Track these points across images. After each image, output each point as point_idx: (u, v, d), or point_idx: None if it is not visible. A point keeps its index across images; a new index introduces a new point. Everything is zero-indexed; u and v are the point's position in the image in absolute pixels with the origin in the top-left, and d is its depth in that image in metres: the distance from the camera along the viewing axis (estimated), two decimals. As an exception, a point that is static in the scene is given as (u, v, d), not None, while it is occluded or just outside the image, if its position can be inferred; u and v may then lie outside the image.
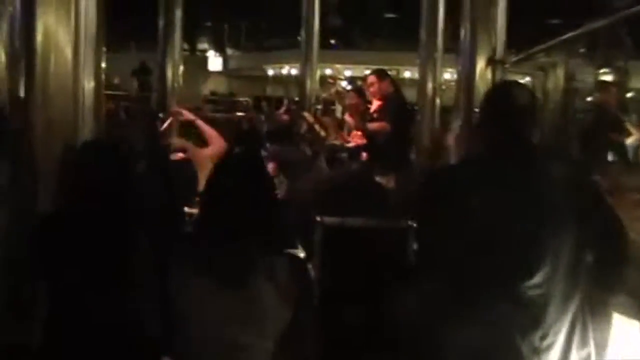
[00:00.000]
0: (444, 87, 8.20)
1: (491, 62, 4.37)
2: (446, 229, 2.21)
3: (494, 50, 4.44)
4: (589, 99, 6.97)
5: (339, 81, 9.40)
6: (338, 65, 16.57)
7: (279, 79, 20.87)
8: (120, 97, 15.81)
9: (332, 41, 18.11)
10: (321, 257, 3.83)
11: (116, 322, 2.20)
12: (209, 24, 23.99)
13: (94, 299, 2.17)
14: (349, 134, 7.42)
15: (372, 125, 6.29)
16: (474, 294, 2.13)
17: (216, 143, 4.30)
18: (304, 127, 6.68)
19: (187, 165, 4.28)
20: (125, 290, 2.20)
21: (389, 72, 6.87)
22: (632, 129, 6.71)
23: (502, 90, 2.45)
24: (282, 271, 2.16)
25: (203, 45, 24.04)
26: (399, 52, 15.89)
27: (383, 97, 6.41)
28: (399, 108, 6.38)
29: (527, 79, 7.33)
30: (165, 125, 6.16)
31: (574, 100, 6.67)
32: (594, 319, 2.20)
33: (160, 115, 6.41)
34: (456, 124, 7.26)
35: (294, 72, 17.54)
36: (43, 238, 2.22)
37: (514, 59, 4.63)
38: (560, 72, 5.25)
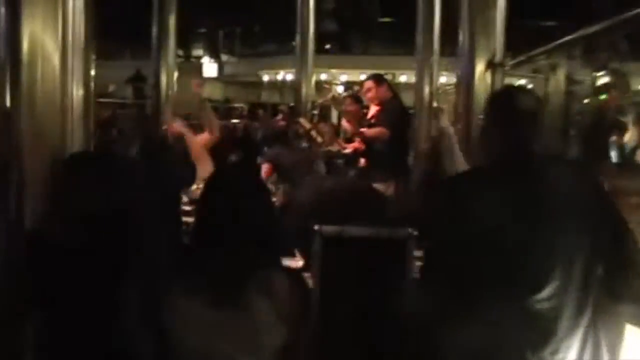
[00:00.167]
0: (440, 91, 8.15)
1: (490, 65, 4.31)
2: (453, 241, 2.12)
3: (492, 53, 4.37)
4: (585, 101, 6.91)
5: (334, 86, 9.33)
6: (333, 70, 16.56)
7: (274, 85, 20.82)
8: (115, 105, 15.73)
9: (327, 46, 18.05)
10: (320, 266, 3.75)
11: (107, 346, 2.10)
12: (203, 30, 23.94)
13: (84, 323, 2.07)
14: (345, 140, 7.35)
15: (370, 131, 6.21)
16: (482, 307, 2.05)
17: (214, 133, 4.24)
18: (300, 132, 6.59)
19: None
20: (117, 312, 2.09)
21: (385, 77, 6.80)
22: (630, 127, 6.65)
23: (506, 96, 2.36)
24: (280, 287, 2.08)
25: (198, 52, 23.99)
26: (395, 57, 15.86)
27: (381, 103, 6.33)
28: (398, 113, 6.30)
29: (522, 81, 7.29)
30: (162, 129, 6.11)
31: (575, 103, 6.62)
32: (605, 331, 2.12)
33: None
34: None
35: (289, 77, 17.49)
36: (29, 259, 2.12)
37: (512, 62, 4.55)
38: (560, 75, 5.19)
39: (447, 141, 2.88)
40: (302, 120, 7.04)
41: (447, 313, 2.12)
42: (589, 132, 6.58)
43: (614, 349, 2.12)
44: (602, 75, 7.29)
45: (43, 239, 2.13)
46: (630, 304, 2.19)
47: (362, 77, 13.54)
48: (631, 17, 2.99)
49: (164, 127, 5.70)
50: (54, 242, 2.10)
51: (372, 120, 6.35)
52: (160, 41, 8.68)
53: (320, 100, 8.03)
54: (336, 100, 6.99)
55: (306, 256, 4.44)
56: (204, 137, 4.07)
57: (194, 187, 4.48)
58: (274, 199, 2.37)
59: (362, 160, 6.49)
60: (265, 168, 6.16)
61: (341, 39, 19.10)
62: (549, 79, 5.09)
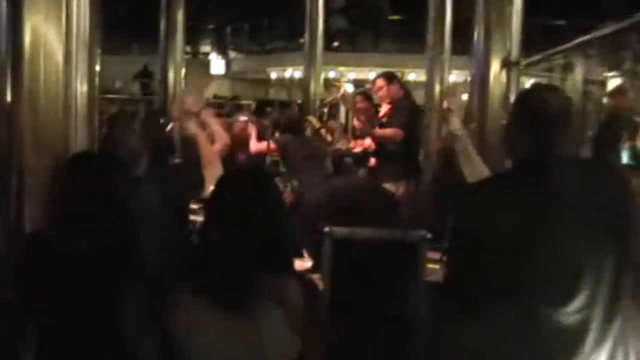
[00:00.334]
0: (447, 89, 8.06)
1: (506, 64, 4.19)
2: (477, 251, 2.00)
3: (508, 51, 4.26)
4: (604, 100, 6.79)
5: (344, 84, 9.23)
6: (342, 68, 16.48)
7: (282, 82, 20.72)
8: (122, 101, 15.65)
9: (336, 43, 17.94)
10: (330, 269, 3.66)
11: (109, 351, 2.00)
12: (211, 26, 23.85)
13: (85, 328, 1.97)
14: (354, 138, 7.24)
15: (384, 132, 6.07)
16: (507, 320, 1.94)
17: (222, 140, 4.11)
18: (310, 131, 6.49)
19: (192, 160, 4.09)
20: (119, 322, 1.99)
21: (394, 74, 6.66)
22: None
23: (534, 94, 2.23)
24: (292, 295, 1.97)
25: (205, 48, 23.90)
26: (404, 54, 15.74)
27: (392, 101, 6.21)
28: (410, 112, 6.18)
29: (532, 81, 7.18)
30: (168, 129, 5.99)
31: (590, 103, 6.49)
32: (635, 342, 2.01)
33: (162, 120, 6.23)
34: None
35: (297, 74, 17.38)
36: (27, 265, 2.02)
37: (528, 60, 4.44)
38: (577, 75, 5.07)
39: (460, 144, 2.76)
40: (312, 118, 6.94)
41: (469, 325, 2.01)
42: (599, 133, 6.45)
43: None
44: (613, 76, 7.17)
45: (44, 243, 2.03)
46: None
47: (371, 74, 13.45)
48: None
49: (172, 125, 5.60)
50: (55, 246, 2.00)
51: (384, 119, 6.23)
52: (168, 37, 8.65)
53: (329, 98, 7.92)
54: (346, 98, 6.87)
55: (315, 257, 4.35)
56: (216, 147, 3.94)
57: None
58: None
59: (372, 160, 6.38)
60: (271, 145, 6.07)
61: (350, 36, 18.97)
62: (565, 79, 4.99)
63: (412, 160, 6.11)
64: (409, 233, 3.57)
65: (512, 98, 4.21)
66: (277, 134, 6.37)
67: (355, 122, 6.29)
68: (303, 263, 4.03)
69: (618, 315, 1.95)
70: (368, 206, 4.13)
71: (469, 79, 7.57)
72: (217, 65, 22.44)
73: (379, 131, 6.08)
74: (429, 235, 3.65)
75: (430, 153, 6.44)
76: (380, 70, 7.20)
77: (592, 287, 1.91)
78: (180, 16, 8.66)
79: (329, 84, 11.19)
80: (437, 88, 7.74)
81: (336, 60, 15.56)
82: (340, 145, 7.05)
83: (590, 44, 4.38)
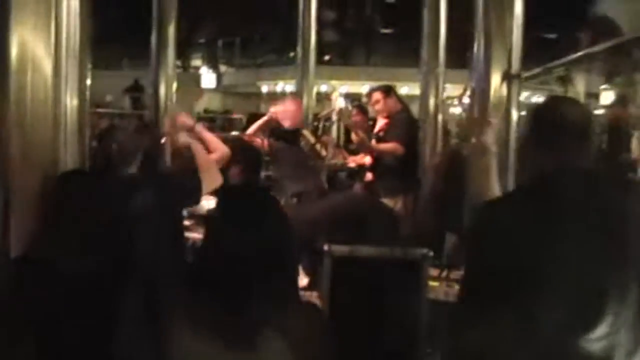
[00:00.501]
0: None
1: (507, 76, 4.10)
2: (494, 274, 1.89)
3: (509, 64, 4.17)
4: (597, 112, 6.71)
5: (339, 98, 9.14)
6: (334, 82, 16.44)
7: (273, 96, 20.62)
8: (113, 115, 15.54)
9: (327, 57, 17.89)
10: (329, 289, 3.55)
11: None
12: (202, 40, 23.78)
13: (80, 356, 1.83)
14: (349, 153, 7.12)
15: (383, 147, 5.95)
16: (527, 348, 1.82)
17: (220, 150, 3.97)
18: (305, 145, 6.37)
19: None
20: (116, 345, 1.86)
21: (389, 88, 6.55)
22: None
23: (551, 107, 2.12)
24: (299, 327, 1.84)
25: (196, 62, 23.83)
26: (396, 68, 15.69)
27: (389, 115, 6.11)
28: (408, 126, 6.08)
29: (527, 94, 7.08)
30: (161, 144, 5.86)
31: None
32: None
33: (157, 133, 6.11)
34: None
35: (288, 88, 17.28)
36: (18, 286, 1.88)
37: (529, 73, 4.35)
38: (579, 87, 5.00)
39: (487, 160, 2.62)
40: (306, 133, 6.83)
41: (486, 352, 1.89)
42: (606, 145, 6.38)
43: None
44: (606, 89, 7.09)
45: (35, 265, 1.89)
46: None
47: (364, 88, 13.38)
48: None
49: (164, 139, 5.48)
50: (46, 267, 1.86)
51: (381, 134, 6.13)
52: (159, 51, 8.51)
53: (324, 112, 7.82)
54: (343, 112, 6.77)
55: (311, 274, 4.24)
56: (213, 156, 3.81)
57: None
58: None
59: (369, 175, 6.26)
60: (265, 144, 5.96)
61: (342, 50, 18.94)
62: (567, 92, 4.92)
63: (410, 174, 6.00)
64: (411, 251, 3.47)
65: (514, 111, 4.12)
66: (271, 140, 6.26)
67: (354, 137, 6.16)
68: (299, 280, 3.91)
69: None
70: (368, 223, 4.03)
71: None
72: (208, 79, 22.36)
73: (378, 146, 5.97)
74: (431, 253, 3.55)
75: (426, 168, 6.35)
76: (373, 83, 7.12)
77: (616, 311, 1.80)
78: (171, 30, 8.54)
79: (322, 98, 11.10)
80: (432, 101, 7.71)
81: (328, 74, 15.49)
82: (335, 160, 6.93)
83: (592, 57, 4.28)
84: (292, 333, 1.82)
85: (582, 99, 5.75)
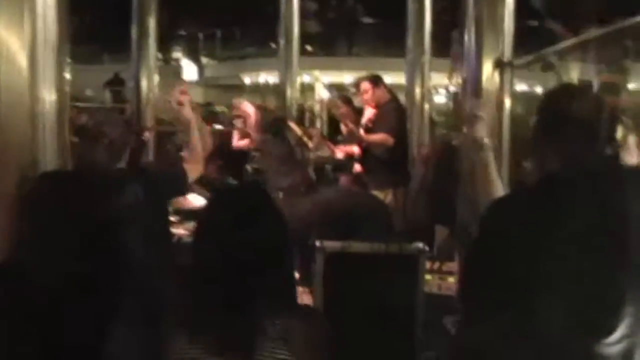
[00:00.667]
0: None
1: (499, 64, 4.00)
2: (505, 274, 1.77)
3: (501, 52, 4.07)
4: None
5: (322, 89, 9.04)
6: (316, 72, 16.31)
7: (256, 88, 20.48)
8: (93, 109, 15.30)
9: (309, 48, 17.77)
10: (322, 286, 3.45)
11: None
12: (183, 33, 23.55)
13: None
14: (336, 145, 7.01)
15: (373, 137, 5.81)
16: (540, 353, 1.72)
17: (207, 141, 3.81)
18: (292, 137, 6.25)
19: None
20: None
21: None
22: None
23: (562, 97, 1.99)
24: (299, 334, 1.73)
25: (177, 55, 23.60)
26: (379, 58, 15.61)
27: (378, 105, 5.98)
28: (396, 116, 5.95)
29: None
30: (143, 139, 5.74)
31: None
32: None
33: (142, 131, 5.99)
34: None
35: (271, 80, 17.14)
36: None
37: (521, 61, 4.25)
38: (573, 75, 4.91)
39: (483, 155, 2.48)
40: (292, 125, 6.70)
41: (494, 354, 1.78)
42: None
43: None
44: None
45: (12, 276, 1.75)
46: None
47: (347, 78, 13.23)
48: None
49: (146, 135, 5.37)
50: (25, 279, 1.72)
51: (370, 124, 6.01)
52: (140, 44, 8.40)
53: (309, 103, 7.72)
54: (331, 103, 6.66)
55: (301, 270, 4.13)
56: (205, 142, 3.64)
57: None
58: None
59: (357, 167, 6.14)
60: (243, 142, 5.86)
61: (324, 41, 18.81)
62: (561, 80, 4.81)
63: (399, 167, 5.89)
64: (406, 246, 3.38)
65: (506, 100, 4.03)
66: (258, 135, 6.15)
67: (343, 128, 6.02)
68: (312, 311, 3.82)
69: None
70: (361, 218, 3.94)
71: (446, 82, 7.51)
72: (189, 71, 22.17)
73: (368, 137, 5.84)
74: (427, 248, 3.46)
75: (416, 159, 6.26)
76: (356, 74, 7.03)
77: (634, 312, 1.69)
78: (152, 22, 8.43)
79: (305, 89, 11.00)
80: (418, 90, 7.63)
81: (311, 64, 15.38)
82: (321, 151, 6.81)
83: (585, 44, 4.18)
84: (293, 343, 1.70)
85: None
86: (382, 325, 3.36)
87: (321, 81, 15.22)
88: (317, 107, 10.72)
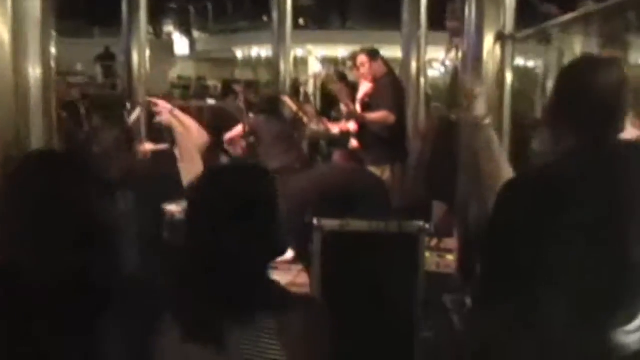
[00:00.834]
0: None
1: (500, 37, 3.89)
2: (521, 260, 1.68)
3: (502, 24, 3.96)
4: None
5: (315, 62, 8.93)
6: (310, 46, 16.19)
7: (248, 62, 20.31)
8: (84, 84, 15.14)
9: (301, 21, 17.61)
10: (320, 266, 3.37)
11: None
12: (174, 6, 23.28)
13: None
14: (331, 120, 6.90)
15: (374, 116, 5.68)
16: (558, 340, 1.64)
17: (200, 136, 3.69)
18: (287, 113, 6.15)
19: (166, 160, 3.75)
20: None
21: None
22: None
23: (582, 69, 1.87)
24: (294, 327, 1.61)
25: (169, 29, 23.36)
26: (373, 31, 15.46)
27: (375, 79, 5.86)
28: (394, 91, 5.83)
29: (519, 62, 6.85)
30: (134, 117, 5.61)
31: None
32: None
33: (127, 105, 5.86)
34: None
35: (263, 53, 16.98)
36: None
37: (523, 34, 4.14)
38: (577, 49, 4.80)
39: (483, 136, 2.37)
40: (287, 100, 6.59)
41: (516, 346, 1.70)
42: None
43: None
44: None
45: (6, 274, 1.62)
46: None
47: (341, 52, 13.04)
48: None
49: (137, 113, 5.26)
50: (9, 278, 1.59)
51: (366, 99, 5.89)
52: (131, 17, 8.26)
53: (304, 78, 7.61)
54: (329, 78, 6.55)
55: (297, 249, 4.05)
56: (193, 141, 3.54)
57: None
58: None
59: (354, 142, 6.03)
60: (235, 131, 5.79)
61: (317, 14, 18.63)
62: (563, 54, 4.71)
63: (397, 142, 5.78)
64: (406, 224, 3.29)
65: (508, 75, 3.92)
66: (251, 115, 6.04)
67: (342, 107, 5.86)
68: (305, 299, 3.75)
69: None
70: (359, 195, 3.85)
71: (442, 56, 7.40)
72: (181, 45, 21.97)
73: (369, 115, 5.71)
74: (427, 226, 3.38)
75: (412, 134, 6.15)
76: (350, 47, 6.91)
77: None
78: (143, -5, 8.27)
79: (298, 63, 10.88)
80: (414, 64, 7.52)
81: (304, 38, 15.24)
82: (316, 127, 6.70)
83: (588, 18, 4.07)
84: (289, 334, 1.59)
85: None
86: (381, 305, 3.28)
87: (315, 55, 15.10)
88: (310, 82, 10.60)
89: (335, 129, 6.44)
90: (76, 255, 1.56)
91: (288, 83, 9.87)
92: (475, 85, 2.80)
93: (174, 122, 3.35)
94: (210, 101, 9.63)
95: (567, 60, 4.95)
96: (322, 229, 3.29)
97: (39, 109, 2.00)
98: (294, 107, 6.01)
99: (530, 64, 10.35)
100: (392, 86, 5.85)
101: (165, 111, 3.43)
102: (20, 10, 1.98)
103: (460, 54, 4.70)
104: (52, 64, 2.10)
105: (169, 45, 21.81)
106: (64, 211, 1.58)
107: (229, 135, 5.92)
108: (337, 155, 6.61)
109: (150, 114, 4.56)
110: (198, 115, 5.94)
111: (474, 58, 4.03)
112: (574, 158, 1.74)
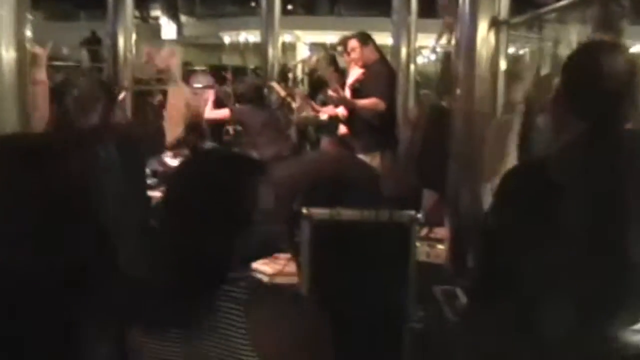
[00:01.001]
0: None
1: (495, 22, 3.81)
2: (523, 254, 1.61)
3: (497, 10, 3.88)
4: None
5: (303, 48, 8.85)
6: (298, 32, 16.08)
7: (235, 47, 20.18)
8: (70, 69, 14.97)
9: (289, 6, 17.51)
10: (309, 257, 3.29)
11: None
12: (161, -11, 23.12)
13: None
14: (321, 105, 6.82)
15: (364, 103, 5.59)
16: (562, 337, 1.57)
17: (192, 98, 3.61)
18: (275, 98, 6.06)
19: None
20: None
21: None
22: None
23: (591, 54, 1.79)
24: (270, 331, 1.49)
25: (156, 13, 23.17)
26: (362, 17, 15.41)
27: (366, 65, 5.77)
28: (385, 78, 5.74)
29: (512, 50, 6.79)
30: (120, 98, 5.54)
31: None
32: None
33: (114, 88, 5.77)
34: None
35: (251, 39, 16.86)
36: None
37: (518, 19, 4.06)
38: (572, 36, 4.71)
39: (516, 119, 2.31)
40: (276, 85, 6.50)
41: (517, 344, 1.62)
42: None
43: None
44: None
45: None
46: None
47: (329, 38, 12.93)
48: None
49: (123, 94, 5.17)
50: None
51: (357, 85, 5.79)
52: (117, 1, 8.14)
53: (292, 63, 7.53)
54: (320, 63, 6.45)
55: (286, 238, 3.97)
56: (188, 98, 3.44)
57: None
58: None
59: (343, 128, 5.94)
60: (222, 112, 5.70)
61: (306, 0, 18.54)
62: (558, 42, 4.63)
63: (387, 129, 5.69)
64: (398, 214, 3.21)
65: (501, 62, 3.85)
66: (237, 104, 5.97)
67: (332, 93, 5.76)
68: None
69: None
70: (349, 183, 3.77)
71: (431, 43, 7.32)
72: (168, 30, 21.80)
73: (359, 102, 5.62)
74: (419, 216, 3.30)
75: (402, 121, 6.07)
76: (338, 33, 6.83)
77: None
78: (129, -22, 8.15)
79: (286, 48, 10.80)
80: (404, 51, 7.46)
81: (292, 24, 15.16)
82: (305, 112, 6.62)
83: (587, 3, 3.99)
84: (262, 335, 1.49)
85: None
86: (370, 295, 3.21)
87: (303, 41, 14.97)
88: (299, 67, 10.53)
89: (324, 115, 6.36)
90: (53, 244, 1.47)
91: (276, 69, 9.80)
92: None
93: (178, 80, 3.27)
94: (197, 85, 9.52)
95: (562, 48, 4.91)
96: (311, 218, 3.20)
97: (13, 93, 1.91)
98: (283, 93, 5.91)
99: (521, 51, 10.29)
100: (384, 73, 5.77)
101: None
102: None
103: (452, 36, 4.63)
104: (28, 47, 2.02)
105: (156, 29, 21.62)
106: (41, 199, 1.49)
107: (212, 116, 5.85)
108: (325, 142, 6.53)
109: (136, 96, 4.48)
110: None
111: (467, 44, 3.96)
112: (580, 147, 1.66)
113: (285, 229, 3.86)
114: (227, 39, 20.51)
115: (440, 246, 4.32)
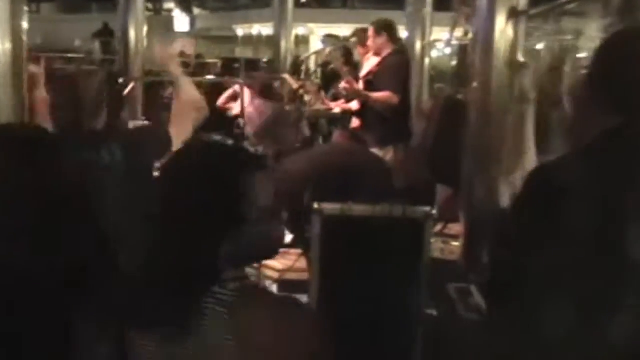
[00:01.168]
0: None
1: (513, 13, 3.71)
2: (539, 254, 1.52)
3: (516, 1, 3.79)
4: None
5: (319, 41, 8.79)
6: (311, 25, 16.03)
7: (248, 40, 20.18)
8: (82, 61, 15.00)
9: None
10: (320, 252, 3.22)
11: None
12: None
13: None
14: (332, 99, 6.75)
15: (377, 96, 5.51)
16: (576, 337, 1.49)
17: (201, 106, 3.48)
18: (286, 91, 6.00)
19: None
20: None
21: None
22: None
23: (624, 42, 1.67)
24: (257, 331, 1.40)
25: (169, 5, 23.19)
26: (377, 10, 15.33)
27: (381, 55, 5.67)
28: (402, 72, 5.64)
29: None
30: (128, 90, 5.49)
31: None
32: None
33: (121, 80, 5.72)
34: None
35: (264, 31, 16.84)
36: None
37: (537, 10, 3.96)
38: (592, 30, 4.60)
39: (523, 109, 2.23)
40: (289, 78, 6.43)
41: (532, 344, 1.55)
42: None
43: None
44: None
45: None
46: None
47: (343, 31, 12.86)
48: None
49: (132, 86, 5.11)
50: None
51: (370, 77, 5.71)
52: (129, -7, 8.11)
53: (305, 55, 7.49)
54: (333, 55, 6.39)
55: (295, 233, 3.91)
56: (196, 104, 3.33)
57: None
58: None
59: (356, 122, 5.85)
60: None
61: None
62: (580, 34, 4.53)
63: (401, 123, 5.60)
64: (412, 209, 3.13)
65: (520, 54, 3.76)
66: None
67: (346, 85, 5.67)
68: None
69: None
70: (361, 177, 3.70)
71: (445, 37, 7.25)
72: (181, 22, 21.81)
73: (372, 95, 5.52)
74: (434, 212, 3.22)
75: (416, 115, 5.99)
76: (352, 26, 6.78)
77: None
78: (141, -30, 8.11)
79: (299, 41, 10.78)
80: (418, 45, 7.40)
81: (306, 16, 15.11)
82: (317, 106, 6.56)
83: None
84: (250, 344, 1.40)
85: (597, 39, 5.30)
86: (383, 293, 3.14)
87: (316, 34, 14.92)
88: (312, 60, 10.50)
89: (337, 108, 6.28)
90: (49, 242, 1.40)
91: (289, 61, 9.76)
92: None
93: (180, 76, 3.16)
94: (209, 77, 9.50)
95: (582, 39, 4.81)
96: (322, 213, 3.12)
97: (8, 85, 1.85)
98: (295, 85, 5.85)
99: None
100: (399, 65, 5.66)
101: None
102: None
103: (468, 27, 4.54)
104: (24, 38, 1.96)
105: (168, 21, 21.64)
106: (36, 195, 1.42)
107: (221, 101, 5.82)
108: (337, 135, 6.47)
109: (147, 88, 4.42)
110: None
111: (485, 35, 3.87)
112: (613, 143, 1.57)
113: (284, 230, 3.80)
114: (240, 31, 20.51)
115: (454, 242, 4.25)
